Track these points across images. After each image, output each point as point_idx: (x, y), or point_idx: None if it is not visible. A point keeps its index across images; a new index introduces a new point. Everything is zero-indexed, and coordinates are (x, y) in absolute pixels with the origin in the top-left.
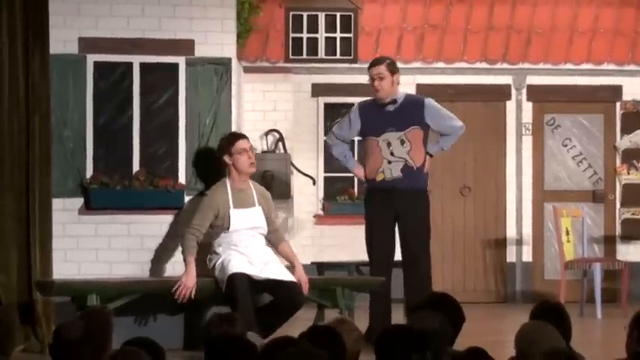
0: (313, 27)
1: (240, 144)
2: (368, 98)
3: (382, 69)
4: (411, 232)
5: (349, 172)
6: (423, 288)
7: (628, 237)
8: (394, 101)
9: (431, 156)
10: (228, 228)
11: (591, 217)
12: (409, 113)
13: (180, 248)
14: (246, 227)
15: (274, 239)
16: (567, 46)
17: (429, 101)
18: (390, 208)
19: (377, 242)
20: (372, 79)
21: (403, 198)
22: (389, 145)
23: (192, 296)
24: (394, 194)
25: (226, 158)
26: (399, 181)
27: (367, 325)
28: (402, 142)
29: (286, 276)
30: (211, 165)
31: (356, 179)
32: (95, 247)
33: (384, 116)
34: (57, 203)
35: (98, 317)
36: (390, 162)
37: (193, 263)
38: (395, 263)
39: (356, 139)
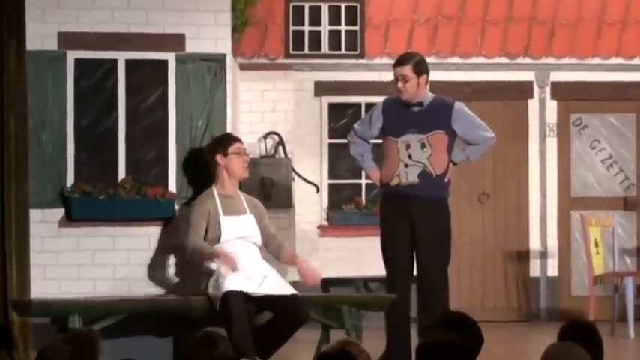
0: (316, 19)
1: (238, 145)
2: (392, 96)
3: (407, 70)
4: (424, 245)
5: (359, 177)
6: (434, 309)
7: None
8: (420, 103)
9: (455, 164)
10: (219, 238)
11: (622, 226)
12: (435, 116)
13: (171, 262)
14: (238, 236)
15: (274, 248)
16: (595, 39)
17: (459, 105)
18: (405, 217)
19: (392, 253)
20: (396, 79)
21: (419, 206)
22: (408, 147)
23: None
24: (409, 201)
25: (219, 158)
26: (414, 188)
27: (380, 346)
28: (423, 146)
29: (286, 289)
30: (204, 172)
31: (364, 186)
32: (77, 262)
33: (407, 116)
34: (35, 214)
35: (85, 339)
36: (407, 166)
37: (216, 249)
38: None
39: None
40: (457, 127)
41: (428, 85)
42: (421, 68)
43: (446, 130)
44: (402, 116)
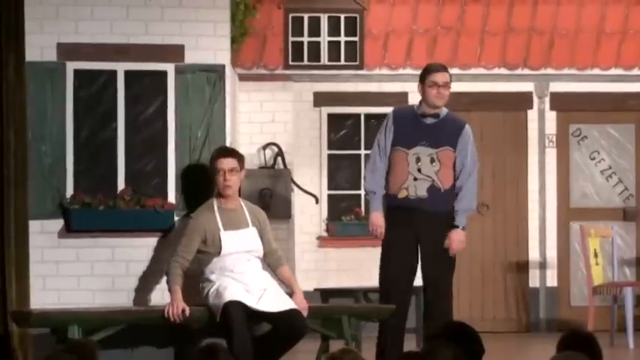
0: (315, 30)
1: (219, 163)
2: (402, 106)
3: (448, 78)
4: (431, 259)
5: (358, 188)
6: (440, 320)
7: None
8: (436, 115)
9: (463, 228)
10: (219, 253)
11: (622, 237)
12: (446, 132)
13: None
14: (239, 250)
15: (273, 262)
16: (594, 50)
17: (469, 128)
18: (412, 230)
19: (395, 267)
20: (437, 85)
21: (426, 220)
22: (418, 160)
23: (187, 314)
24: (417, 215)
25: (212, 172)
26: (423, 202)
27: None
28: (432, 161)
29: (286, 304)
30: (203, 183)
31: (363, 197)
32: (76, 273)
33: (419, 128)
34: (34, 225)
35: (83, 350)
36: (415, 179)
37: (179, 291)
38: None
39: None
40: (459, 146)
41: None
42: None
43: (454, 148)
44: (414, 127)
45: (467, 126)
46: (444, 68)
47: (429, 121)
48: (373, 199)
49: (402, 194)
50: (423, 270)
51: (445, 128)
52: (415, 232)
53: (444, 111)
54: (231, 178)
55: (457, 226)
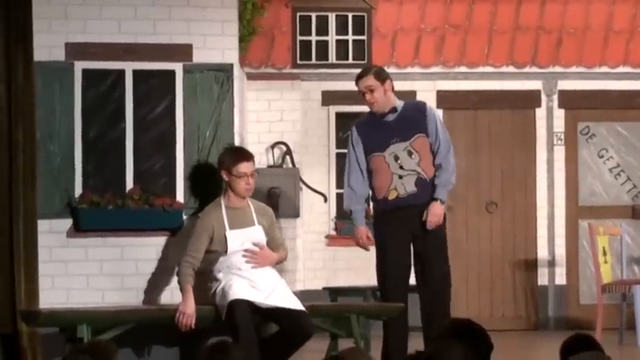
0: (323, 29)
1: (242, 168)
2: (361, 118)
3: (370, 80)
4: (430, 254)
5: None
6: (443, 318)
7: None
8: (394, 110)
9: (442, 202)
10: (225, 251)
11: (631, 235)
12: (412, 120)
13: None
14: (244, 248)
15: (272, 249)
16: (602, 48)
17: (430, 106)
18: (407, 228)
19: (393, 267)
20: (363, 94)
21: (420, 216)
22: (396, 158)
23: (193, 325)
24: (411, 212)
25: (224, 174)
26: (415, 197)
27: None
28: (410, 154)
29: (294, 303)
30: (212, 182)
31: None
32: (85, 272)
33: (384, 128)
34: (43, 225)
35: (103, 352)
36: (401, 177)
37: (191, 291)
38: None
39: None
40: (429, 127)
41: (393, 92)
42: (383, 75)
43: (426, 133)
44: (380, 129)
45: (427, 105)
46: (361, 74)
47: (390, 118)
48: (355, 213)
49: (392, 195)
50: (423, 267)
51: (408, 117)
52: (411, 230)
53: (399, 103)
54: (252, 181)
55: (436, 199)
